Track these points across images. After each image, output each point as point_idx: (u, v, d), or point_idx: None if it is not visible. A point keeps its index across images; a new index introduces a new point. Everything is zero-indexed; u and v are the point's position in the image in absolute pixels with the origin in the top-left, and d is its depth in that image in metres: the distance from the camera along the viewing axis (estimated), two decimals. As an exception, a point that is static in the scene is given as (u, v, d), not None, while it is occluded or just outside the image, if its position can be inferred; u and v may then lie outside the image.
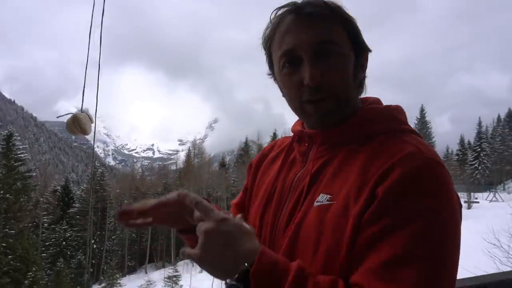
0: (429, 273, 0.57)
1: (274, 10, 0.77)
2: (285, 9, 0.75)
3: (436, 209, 0.61)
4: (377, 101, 0.83)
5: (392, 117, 0.78)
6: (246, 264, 0.58)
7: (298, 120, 0.90)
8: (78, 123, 1.81)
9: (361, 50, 0.78)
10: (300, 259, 0.65)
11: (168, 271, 29.47)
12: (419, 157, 0.64)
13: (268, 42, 0.79)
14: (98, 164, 57.49)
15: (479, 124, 64.34)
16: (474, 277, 1.54)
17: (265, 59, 0.83)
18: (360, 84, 0.80)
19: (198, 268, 34.32)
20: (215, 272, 0.61)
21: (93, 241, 41.25)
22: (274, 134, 60.10)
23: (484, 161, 59.45)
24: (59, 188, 46.47)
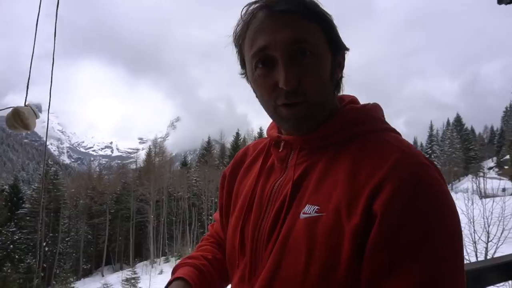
0: (452, 279, 0.56)
1: (245, 6, 0.71)
2: (257, 4, 0.69)
3: (440, 223, 0.58)
4: (353, 100, 0.79)
5: (371, 118, 0.74)
6: None
7: (272, 123, 0.85)
8: (20, 118, 1.70)
9: (338, 49, 0.73)
10: (287, 274, 0.63)
11: (126, 273, 28.57)
12: (409, 162, 0.61)
13: (239, 40, 0.73)
14: (52, 162, 54.45)
15: (431, 127, 68.49)
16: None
17: (237, 58, 0.77)
18: (337, 84, 0.76)
19: (158, 270, 33.69)
20: None
21: (44, 244, 39.05)
22: (237, 133, 60.16)
23: (435, 162, 63.11)
24: (6, 187, 43.52)
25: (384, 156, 0.62)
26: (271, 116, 0.75)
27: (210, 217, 43.09)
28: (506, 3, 1.60)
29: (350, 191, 0.62)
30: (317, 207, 0.64)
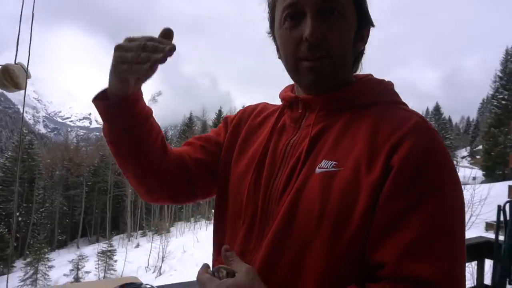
0: (455, 243, 0.60)
1: None
2: None
3: (449, 181, 0.63)
4: (371, 75, 0.81)
5: (390, 90, 0.77)
6: None
7: (286, 87, 0.86)
8: (10, 76, 1.61)
9: (364, 21, 0.75)
10: (299, 230, 0.65)
11: (102, 245, 28.49)
12: (427, 128, 0.65)
13: None
14: (26, 131, 52.81)
15: (410, 115, 69.75)
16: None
17: (268, 16, 0.79)
18: (356, 58, 0.78)
19: (134, 243, 33.78)
20: None
21: (18, 214, 38.31)
22: (220, 111, 59.68)
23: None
24: (-22, 155, 42.11)
25: (404, 119, 0.66)
26: (291, 71, 0.75)
27: (189, 194, 43.15)
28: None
29: (370, 147, 0.64)
30: (335, 162, 0.66)
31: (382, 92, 0.76)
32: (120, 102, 0.73)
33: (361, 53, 0.79)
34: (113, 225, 43.19)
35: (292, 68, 0.74)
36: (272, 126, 0.82)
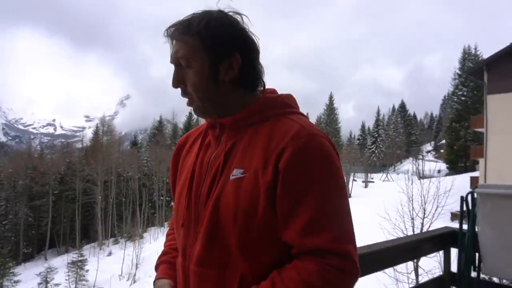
0: (338, 220, 0.82)
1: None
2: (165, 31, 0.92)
3: (326, 173, 0.82)
4: (273, 91, 0.99)
5: (284, 103, 0.94)
6: None
7: None
8: None
9: (220, 57, 0.88)
10: (222, 226, 0.85)
11: (72, 256, 27.37)
12: (304, 133, 0.83)
13: None
14: (-15, 140, 49.77)
15: (378, 112, 71.87)
16: (368, 245, 1.75)
17: None
18: (236, 83, 0.91)
19: (106, 252, 32.72)
20: None
21: (-22, 227, 36.14)
22: (190, 113, 58.88)
23: (380, 145, 66.84)
24: None
25: (287, 130, 0.85)
26: None
27: (161, 197, 42.27)
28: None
29: (264, 156, 0.83)
30: (242, 170, 0.85)
31: (278, 106, 0.93)
32: None
33: (237, 80, 0.90)
34: (83, 234, 41.58)
35: None
36: (200, 143, 1.01)
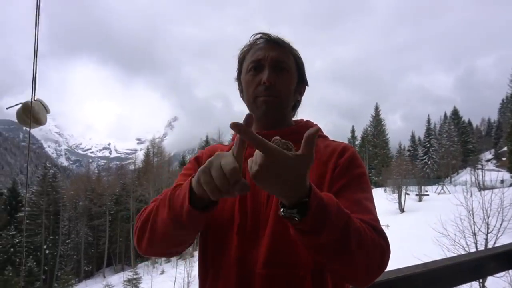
0: (370, 204, 0.95)
1: (252, 35, 1.09)
2: (260, 35, 1.08)
3: (364, 172, 1.02)
4: (308, 120, 1.17)
5: (320, 129, 1.09)
6: (306, 199, 0.69)
7: None
8: (31, 112, 1.68)
9: (302, 80, 1.12)
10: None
11: (127, 274, 28.55)
12: (350, 147, 1.06)
13: (243, 54, 1.10)
14: (50, 165, 54.19)
15: (428, 121, 68.34)
16: (423, 263, 1.65)
17: (236, 67, 1.13)
18: (294, 105, 1.13)
19: (159, 270, 33.70)
20: (274, 189, 0.67)
21: (45, 247, 38.98)
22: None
23: (433, 156, 63.27)
24: (5, 191, 43.36)
25: (337, 144, 1.07)
26: (250, 105, 1.07)
27: (210, 216, 42.90)
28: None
29: (322, 160, 1.01)
30: None
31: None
32: (211, 209, 0.81)
33: (298, 102, 1.15)
34: (137, 253, 43.23)
35: (251, 103, 1.06)
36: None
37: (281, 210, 0.71)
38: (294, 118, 1.17)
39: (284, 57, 1.05)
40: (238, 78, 1.14)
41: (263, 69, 1.03)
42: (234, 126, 0.63)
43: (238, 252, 0.93)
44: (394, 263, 1.28)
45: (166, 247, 0.94)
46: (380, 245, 0.82)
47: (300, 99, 1.15)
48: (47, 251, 39.04)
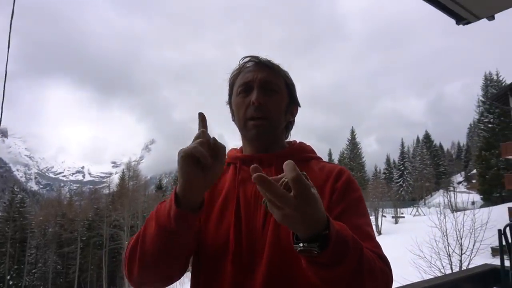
0: (370, 229, 0.95)
1: (242, 58, 1.10)
2: (248, 58, 1.09)
3: (361, 196, 1.02)
4: (300, 141, 1.17)
5: (312, 150, 1.15)
6: (326, 231, 0.68)
7: (232, 149, 1.17)
8: None
9: (293, 100, 1.12)
10: (285, 252, 0.87)
11: (98, 304, 27.04)
12: (345, 170, 1.05)
13: (233, 78, 1.11)
14: (18, 189, 51.79)
15: (402, 144, 70.51)
16: (402, 286, 1.65)
17: (228, 90, 1.13)
18: (286, 126, 1.12)
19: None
20: (294, 224, 0.66)
21: (9, 277, 36.63)
22: (214, 155, 59.53)
23: (407, 178, 64.86)
24: (-32, 217, 40.88)
25: (333, 166, 1.07)
26: (241, 128, 1.07)
27: (187, 241, 41.78)
28: (464, 24, 1.70)
29: (318, 183, 0.93)
30: None
31: (311, 151, 1.13)
32: (198, 212, 0.82)
33: (290, 123, 1.14)
34: (110, 281, 41.35)
35: (242, 125, 1.06)
36: (233, 179, 1.05)
37: (301, 244, 0.68)
38: (288, 140, 1.17)
39: (273, 78, 1.06)
40: (229, 102, 1.13)
41: (253, 91, 1.04)
42: (255, 171, 0.64)
43: (233, 281, 0.89)
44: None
45: (160, 272, 0.87)
46: (386, 274, 0.82)
47: (293, 120, 1.14)
48: (10, 282, 36.64)
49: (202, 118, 0.82)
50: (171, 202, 0.80)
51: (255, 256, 0.90)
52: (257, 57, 1.09)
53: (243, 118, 1.05)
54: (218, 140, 0.79)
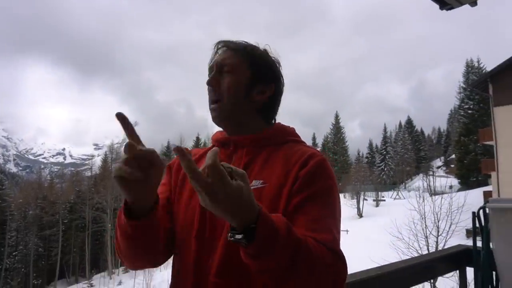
0: (333, 223, 0.90)
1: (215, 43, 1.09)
2: (216, 43, 1.08)
3: (331, 185, 0.95)
4: (279, 123, 1.13)
5: (293, 133, 1.11)
6: (253, 225, 0.69)
7: (217, 132, 1.14)
8: None
9: (260, 80, 1.04)
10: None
11: (82, 286, 27.12)
12: (318, 154, 0.99)
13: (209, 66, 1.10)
14: (-4, 171, 50.49)
15: (384, 129, 71.70)
16: (378, 266, 1.71)
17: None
18: (262, 108, 1.06)
19: (116, 281, 32.33)
20: (222, 212, 0.68)
21: (-11, 260, 36.14)
22: (197, 138, 59.44)
23: (389, 163, 66.24)
24: None
25: (304, 151, 0.99)
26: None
27: (171, 224, 41.81)
28: (448, 9, 1.72)
29: (285, 168, 0.95)
30: (261, 181, 0.94)
31: (289, 134, 1.09)
32: (150, 214, 0.84)
33: (265, 104, 1.06)
34: (93, 263, 41.29)
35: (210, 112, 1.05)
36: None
37: (229, 234, 0.72)
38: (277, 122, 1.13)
39: (228, 60, 1.03)
40: None
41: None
42: (178, 150, 0.65)
43: (196, 257, 0.93)
44: (354, 267, 1.32)
45: (143, 260, 0.96)
46: (334, 268, 0.81)
47: (270, 100, 1.07)
48: (-9, 265, 36.16)
49: (122, 119, 0.76)
50: (122, 214, 0.84)
51: (216, 236, 0.92)
52: (220, 41, 1.08)
53: (209, 105, 1.05)
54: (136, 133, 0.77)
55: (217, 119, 1.03)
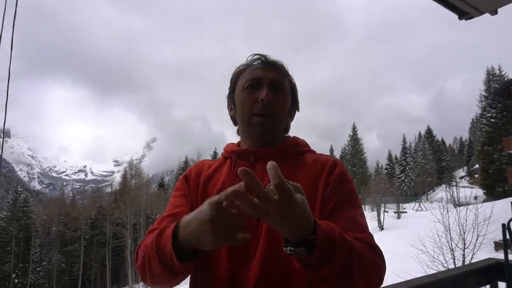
0: (365, 221, 0.98)
1: (249, 55, 1.13)
2: (257, 56, 1.12)
3: (354, 187, 1.05)
4: (294, 136, 1.19)
5: (306, 143, 1.16)
6: (312, 236, 0.71)
7: (229, 144, 1.17)
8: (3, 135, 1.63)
9: (294, 104, 1.16)
10: (279, 243, 0.87)
11: (102, 302, 27.19)
12: (339, 162, 1.08)
13: (238, 73, 1.12)
14: (21, 189, 51.94)
15: (404, 140, 70.31)
16: (405, 281, 1.65)
17: (229, 86, 1.14)
18: (285, 128, 1.15)
19: (137, 296, 32.34)
20: (282, 227, 0.69)
21: (14, 275, 36.88)
22: (215, 152, 59.74)
23: (409, 174, 64.73)
24: (-28, 217, 41.06)
25: (326, 159, 1.08)
26: (245, 124, 1.08)
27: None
28: (467, 19, 1.69)
29: (312, 177, 1.02)
30: None
31: (303, 145, 1.14)
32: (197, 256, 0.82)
33: (288, 126, 1.16)
34: (113, 278, 41.57)
35: (246, 120, 1.07)
36: (228, 173, 1.08)
37: (288, 248, 0.73)
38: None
39: (281, 79, 1.09)
40: (231, 96, 1.14)
41: (261, 88, 1.05)
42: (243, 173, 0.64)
43: (228, 270, 0.93)
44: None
45: (171, 284, 0.93)
46: (377, 264, 0.86)
47: (290, 124, 1.17)
48: (16, 280, 36.87)
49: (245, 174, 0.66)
50: (170, 250, 0.79)
51: (249, 248, 0.93)
52: (265, 56, 1.11)
53: (248, 114, 1.06)
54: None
55: (263, 131, 1.06)
